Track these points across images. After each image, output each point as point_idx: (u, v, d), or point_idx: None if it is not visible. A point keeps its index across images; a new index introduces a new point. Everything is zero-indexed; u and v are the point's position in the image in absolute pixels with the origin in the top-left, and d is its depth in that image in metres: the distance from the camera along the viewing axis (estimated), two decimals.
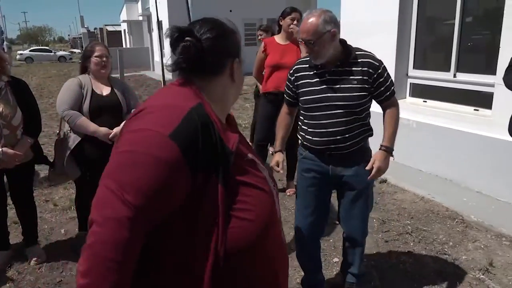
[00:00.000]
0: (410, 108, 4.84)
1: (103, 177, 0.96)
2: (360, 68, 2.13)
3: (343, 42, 2.20)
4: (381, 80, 2.16)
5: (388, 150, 2.21)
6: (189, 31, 1.09)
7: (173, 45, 1.11)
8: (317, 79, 2.20)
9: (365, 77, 2.12)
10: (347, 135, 2.17)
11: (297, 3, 22.85)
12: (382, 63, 2.18)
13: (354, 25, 5.19)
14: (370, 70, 2.13)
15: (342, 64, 2.15)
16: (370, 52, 2.21)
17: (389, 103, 2.24)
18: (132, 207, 0.89)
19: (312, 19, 2.06)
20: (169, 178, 0.93)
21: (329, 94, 2.15)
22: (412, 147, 4.56)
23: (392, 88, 2.21)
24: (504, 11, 3.72)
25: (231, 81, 1.17)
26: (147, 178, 0.92)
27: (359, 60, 2.15)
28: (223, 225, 1.00)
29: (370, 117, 2.27)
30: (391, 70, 4.91)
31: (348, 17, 5.47)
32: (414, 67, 4.99)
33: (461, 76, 4.44)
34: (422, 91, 4.99)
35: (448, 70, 4.55)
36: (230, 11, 17.46)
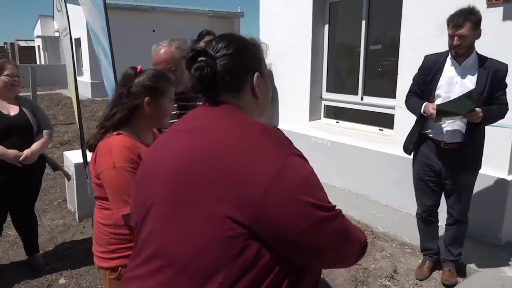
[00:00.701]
0: (324, 128, 5.18)
1: None
2: None
3: None
4: None
5: None
6: (203, 51, 1.06)
7: (188, 67, 1.08)
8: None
9: None
10: None
11: (220, 24, 23.27)
12: None
13: (271, 49, 5.44)
14: None
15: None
16: None
17: None
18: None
19: (163, 49, 2.16)
20: None
21: None
22: (327, 165, 4.86)
23: None
24: (400, 44, 4.18)
25: (253, 97, 1.10)
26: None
27: None
28: None
29: None
30: (306, 93, 5.28)
31: (266, 40, 5.73)
32: (327, 90, 5.37)
33: (367, 99, 4.87)
34: (335, 113, 5.38)
35: (356, 93, 4.97)
36: (153, 31, 17.29)
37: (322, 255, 0.98)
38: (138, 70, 1.74)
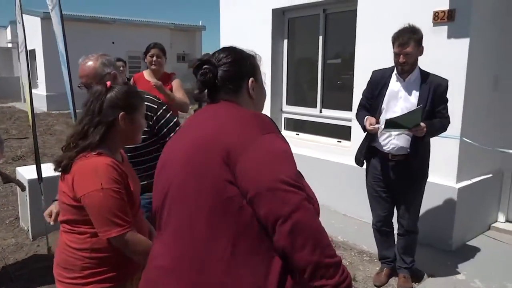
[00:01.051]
0: None
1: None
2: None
3: None
4: (162, 121, 2.29)
5: None
6: (207, 61, 1.32)
7: (195, 73, 1.33)
8: None
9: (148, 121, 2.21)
10: None
11: (182, 37, 23.12)
12: (162, 106, 2.32)
13: None
14: (149, 113, 2.21)
15: None
16: (150, 95, 2.34)
17: None
18: None
19: (89, 63, 2.12)
20: None
21: None
22: None
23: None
24: (355, 59, 4.36)
25: (249, 98, 1.36)
26: None
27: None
28: None
29: None
30: (267, 106, 5.36)
31: None
32: (287, 103, 5.49)
33: (326, 112, 5.02)
34: (295, 125, 5.49)
35: (315, 106, 5.10)
36: (113, 43, 17.03)
37: (284, 226, 1.05)
38: (108, 85, 1.68)
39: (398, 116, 2.79)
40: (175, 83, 3.97)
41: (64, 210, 1.65)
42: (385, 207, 3.18)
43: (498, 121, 3.98)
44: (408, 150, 2.94)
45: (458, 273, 3.34)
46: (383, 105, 3.01)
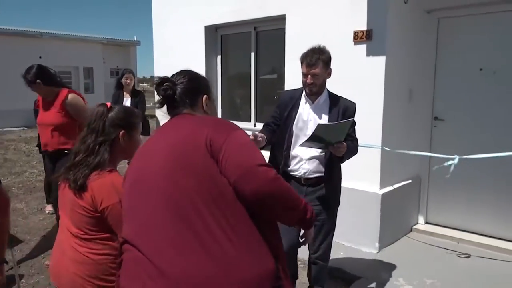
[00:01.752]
0: None
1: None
2: None
3: None
4: None
5: None
6: (167, 79, 1.59)
7: (156, 90, 1.59)
8: None
9: None
10: None
11: (115, 52, 22.39)
12: None
13: None
14: None
15: None
16: None
17: None
18: None
19: None
20: None
21: None
22: None
23: None
24: (285, 74, 4.57)
25: (204, 112, 1.65)
26: None
27: None
28: None
29: None
30: None
31: (161, 70, 5.83)
32: (222, 117, 5.57)
33: (260, 126, 5.14)
34: None
35: (249, 120, 5.24)
36: (40, 57, 16.20)
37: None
38: (108, 106, 1.88)
39: (331, 124, 2.63)
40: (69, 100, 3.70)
41: (78, 219, 1.78)
42: (296, 234, 2.77)
43: (413, 129, 4.36)
44: (323, 173, 2.81)
45: (384, 273, 3.57)
46: (293, 128, 2.83)
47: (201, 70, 5.32)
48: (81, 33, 19.08)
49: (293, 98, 2.90)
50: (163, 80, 1.58)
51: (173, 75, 1.62)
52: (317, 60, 2.68)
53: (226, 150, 1.35)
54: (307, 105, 2.85)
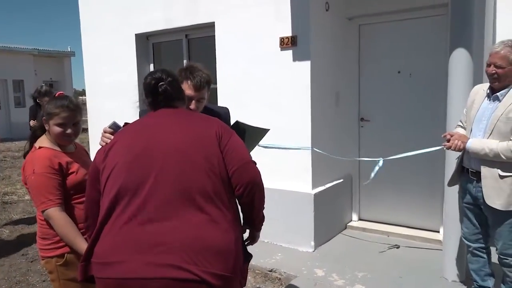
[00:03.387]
0: None
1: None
2: None
3: None
4: None
5: None
6: (161, 79, 1.72)
7: (154, 88, 1.72)
8: None
9: None
10: None
11: (48, 63, 21.30)
12: None
13: (98, 86, 5.38)
14: None
15: None
16: None
17: None
18: None
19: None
20: None
21: None
22: None
23: None
24: (217, 83, 4.60)
25: (186, 106, 1.96)
26: None
27: None
28: None
29: None
30: None
31: (91, 79, 5.67)
32: None
33: None
34: None
35: None
36: None
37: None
38: (56, 95, 2.17)
39: (248, 125, 2.35)
40: None
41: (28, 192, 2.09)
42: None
43: (342, 130, 4.56)
44: None
45: (318, 270, 3.68)
46: None
47: (133, 79, 5.25)
48: (9, 44, 18.01)
49: None
50: (157, 80, 1.72)
51: (156, 73, 1.74)
52: (205, 84, 2.26)
53: (231, 144, 1.66)
54: None
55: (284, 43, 4.00)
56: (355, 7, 4.41)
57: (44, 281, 3.68)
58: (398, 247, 4.14)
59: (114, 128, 2.10)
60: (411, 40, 4.30)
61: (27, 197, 5.93)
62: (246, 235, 1.92)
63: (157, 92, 1.72)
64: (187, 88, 2.18)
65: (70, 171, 2.08)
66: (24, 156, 2.15)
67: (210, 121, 1.73)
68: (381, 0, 4.23)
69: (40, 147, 2.08)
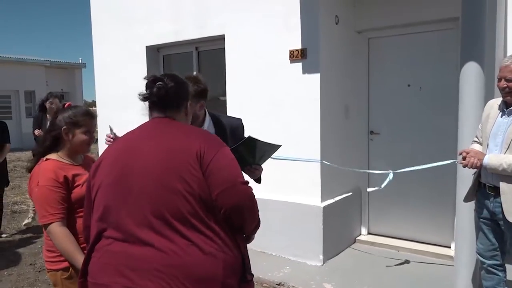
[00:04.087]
0: None
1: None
2: None
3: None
4: None
5: None
6: (159, 79, 1.66)
7: (150, 87, 1.65)
8: None
9: None
10: None
11: (59, 75, 21.67)
12: None
13: (108, 97, 5.44)
14: None
15: None
16: None
17: None
18: None
19: None
20: None
21: None
22: None
23: None
24: (227, 95, 4.63)
25: (185, 116, 1.75)
26: None
27: None
28: None
29: None
30: None
31: (102, 90, 5.76)
32: None
33: None
34: None
35: None
36: None
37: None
38: (65, 106, 2.17)
39: (262, 141, 2.23)
40: None
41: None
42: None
43: (351, 143, 4.54)
44: None
45: (327, 285, 3.63)
46: None
47: (143, 90, 5.27)
48: (21, 56, 18.32)
49: None
50: (157, 78, 1.66)
51: (162, 76, 1.68)
52: (200, 99, 2.27)
53: (215, 164, 1.49)
54: None
55: (294, 56, 4.01)
56: (364, 21, 4.43)
57: None
58: (408, 262, 4.08)
59: (113, 134, 2.44)
60: (421, 53, 4.29)
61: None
62: None
63: (152, 91, 1.66)
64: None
65: (76, 184, 2.05)
66: (29, 170, 2.12)
67: (192, 137, 1.58)
68: (390, 14, 4.24)
69: (47, 159, 2.08)
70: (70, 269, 2.01)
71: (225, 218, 1.52)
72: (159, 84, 1.64)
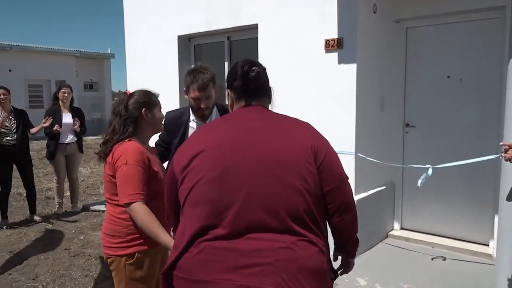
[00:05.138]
0: None
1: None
2: None
3: None
4: None
5: None
6: (256, 64, 1.58)
7: (246, 72, 1.54)
8: None
9: None
10: None
11: (88, 65, 22.04)
12: None
13: (139, 87, 5.46)
14: None
15: None
16: None
17: None
18: None
19: None
20: None
21: None
22: None
23: None
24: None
25: (270, 104, 1.68)
26: None
27: None
28: None
29: None
30: None
31: (133, 80, 5.80)
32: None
33: None
34: None
35: None
36: (10, 70, 15.82)
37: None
38: (128, 93, 2.19)
39: None
40: None
41: (108, 188, 2.11)
42: None
43: (386, 136, 4.42)
44: None
45: (361, 280, 3.57)
46: None
47: (174, 80, 5.30)
48: (53, 46, 18.76)
49: (183, 120, 2.61)
50: (253, 63, 1.57)
51: (244, 63, 1.56)
52: (208, 81, 2.41)
53: (328, 160, 1.47)
54: (200, 124, 2.55)
55: (330, 45, 3.92)
56: (403, 10, 4.28)
57: (86, 276, 3.75)
58: (444, 259, 3.96)
59: None
60: (462, 44, 4.12)
61: (68, 193, 6.09)
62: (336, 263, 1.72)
63: (248, 78, 1.54)
64: (193, 91, 2.43)
65: (152, 169, 2.07)
66: (104, 156, 2.10)
67: (302, 130, 1.54)
68: (430, 2, 4.08)
69: (130, 140, 2.08)
70: (136, 254, 2.02)
71: (329, 218, 1.52)
72: (255, 69, 1.54)
